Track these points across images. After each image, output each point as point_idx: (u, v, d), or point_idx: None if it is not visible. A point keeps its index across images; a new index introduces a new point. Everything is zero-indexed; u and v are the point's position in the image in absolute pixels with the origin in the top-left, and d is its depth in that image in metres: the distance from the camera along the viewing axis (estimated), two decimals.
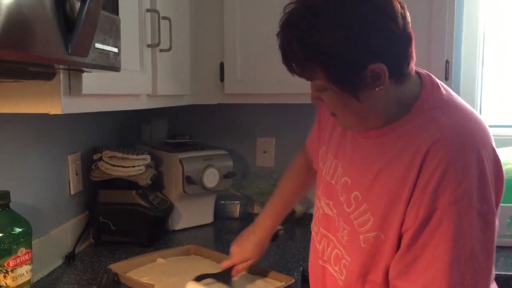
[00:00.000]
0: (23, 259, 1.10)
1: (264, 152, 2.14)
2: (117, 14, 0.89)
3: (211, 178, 1.83)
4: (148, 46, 1.29)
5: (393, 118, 0.92)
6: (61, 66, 0.82)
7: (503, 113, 2.06)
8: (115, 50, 0.86)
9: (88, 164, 1.66)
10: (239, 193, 2.09)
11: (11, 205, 1.11)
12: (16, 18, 0.55)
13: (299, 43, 0.84)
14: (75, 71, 0.90)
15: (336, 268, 1.02)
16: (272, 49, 1.84)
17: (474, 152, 0.85)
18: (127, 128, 2.07)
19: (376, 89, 0.86)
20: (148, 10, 1.27)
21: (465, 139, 0.86)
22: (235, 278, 1.27)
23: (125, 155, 1.65)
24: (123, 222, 1.64)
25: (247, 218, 2.03)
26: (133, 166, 1.65)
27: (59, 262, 1.48)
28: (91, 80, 0.94)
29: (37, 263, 1.25)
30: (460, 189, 0.82)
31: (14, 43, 0.55)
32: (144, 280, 1.32)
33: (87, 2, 0.68)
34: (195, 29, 1.73)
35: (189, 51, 1.69)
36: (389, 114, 0.92)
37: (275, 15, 1.83)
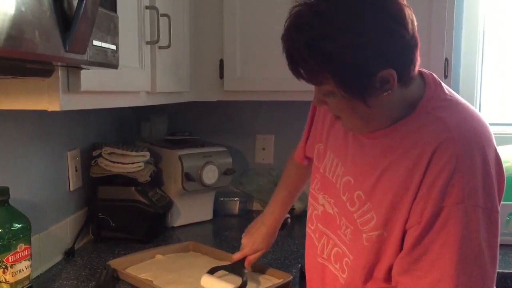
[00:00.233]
0: (22, 255, 1.10)
1: (263, 149, 2.14)
2: (115, 11, 0.90)
3: (210, 175, 1.83)
4: (147, 43, 1.29)
5: (397, 118, 0.93)
6: (59, 63, 0.83)
7: (502, 111, 2.06)
8: (113, 47, 0.87)
9: (87, 160, 1.66)
10: (238, 190, 2.09)
11: (10, 201, 1.12)
12: (13, 15, 0.55)
13: (310, 50, 0.83)
14: (74, 68, 0.90)
15: (337, 266, 1.03)
16: (272, 46, 1.83)
17: (480, 151, 0.86)
18: (126, 125, 2.08)
19: (384, 93, 0.86)
20: (147, 7, 1.27)
21: (472, 139, 0.87)
22: (247, 270, 1.30)
23: (124, 152, 1.65)
24: (123, 218, 1.64)
25: (247, 215, 2.04)
26: (133, 163, 1.65)
27: (58, 258, 1.49)
28: (89, 77, 0.94)
29: (36, 259, 1.25)
30: (467, 188, 0.83)
31: (11, 40, 0.55)
32: (143, 276, 1.32)
33: (85, 0, 0.68)
34: (195, 26, 1.73)
35: (189, 48, 1.69)
36: (394, 115, 0.92)
37: (275, 12, 1.82)
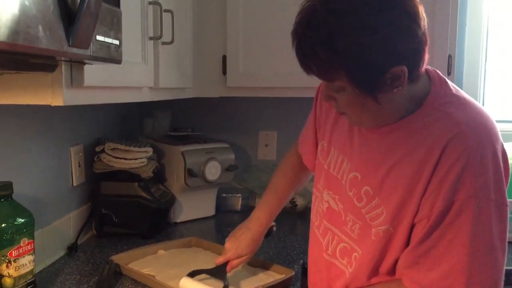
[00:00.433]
0: (26, 249, 1.11)
1: (266, 145, 2.14)
2: (119, 6, 0.90)
3: (213, 171, 1.84)
4: (150, 38, 1.29)
5: (405, 114, 0.93)
6: (62, 58, 0.83)
7: (506, 108, 2.05)
8: (116, 42, 0.87)
9: (90, 156, 1.67)
10: (240, 186, 2.10)
11: (14, 196, 1.12)
12: (17, 9, 0.55)
13: (324, 47, 0.82)
14: (77, 63, 0.90)
15: (344, 261, 1.03)
16: (275, 42, 1.84)
17: (490, 146, 0.87)
18: (130, 121, 2.08)
19: (394, 90, 0.87)
20: (150, 3, 1.28)
21: (482, 134, 0.88)
22: (229, 274, 1.25)
23: (127, 148, 1.66)
24: (125, 214, 1.65)
25: (249, 211, 2.01)
26: (135, 159, 1.66)
27: (61, 253, 1.49)
28: (93, 72, 0.94)
29: (39, 254, 1.26)
30: (479, 182, 0.84)
31: (15, 34, 0.55)
32: (145, 271, 1.33)
33: None
34: (198, 22, 1.73)
35: (192, 44, 1.69)
36: (402, 111, 0.93)
37: (279, 8, 1.83)
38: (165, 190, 1.79)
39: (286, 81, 1.69)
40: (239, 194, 2.05)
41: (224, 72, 1.76)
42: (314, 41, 0.83)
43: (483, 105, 2.03)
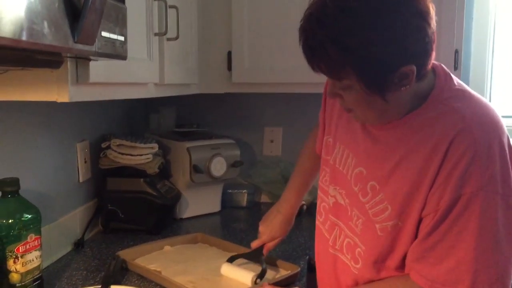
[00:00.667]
0: (33, 245, 1.11)
1: (272, 141, 2.14)
2: (124, 2, 0.89)
3: (218, 167, 1.84)
4: (155, 34, 1.29)
5: (410, 110, 0.93)
6: (68, 54, 0.83)
7: None
8: (122, 38, 0.87)
9: (96, 152, 1.67)
10: (246, 182, 2.10)
11: (20, 192, 1.13)
12: (23, 6, 0.55)
13: (334, 45, 0.81)
14: (82, 60, 0.90)
15: (349, 257, 1.03)
16: (280, 38, 1.83)
17: (496, 139, 0.87)
18: (135, 117, 2.08)
19: (402, 88, 0.86)
20: None
21: (488, 127, 0.88)
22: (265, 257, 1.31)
23: (133, 144, 1.66)
24: (131, 210, 1.65)
25: (254, 207, 2.04)
26: (141, 155, 1.66)
27: (68, 248, 1.50)
28: (98, 68, 0.94)
29: (46, 250, 1.27)
30: (486, 175, 0.84)
31: (20, 31, 0.55)
32: (152, 267, 1.33)
33: None
34: (203, 17, 1.73)
35: (197, 40, 1.69)
36: (408, 107, 0.93)
37: (284, 3, 1.82)
38: (170, 186, 1.79)
39: (291, 77, 1.68)
40: (245, 190, 2.05)
41: (230, 68, 1.76)
42: (323, 39, 0.82)
43: (490, 100, 2.02)
